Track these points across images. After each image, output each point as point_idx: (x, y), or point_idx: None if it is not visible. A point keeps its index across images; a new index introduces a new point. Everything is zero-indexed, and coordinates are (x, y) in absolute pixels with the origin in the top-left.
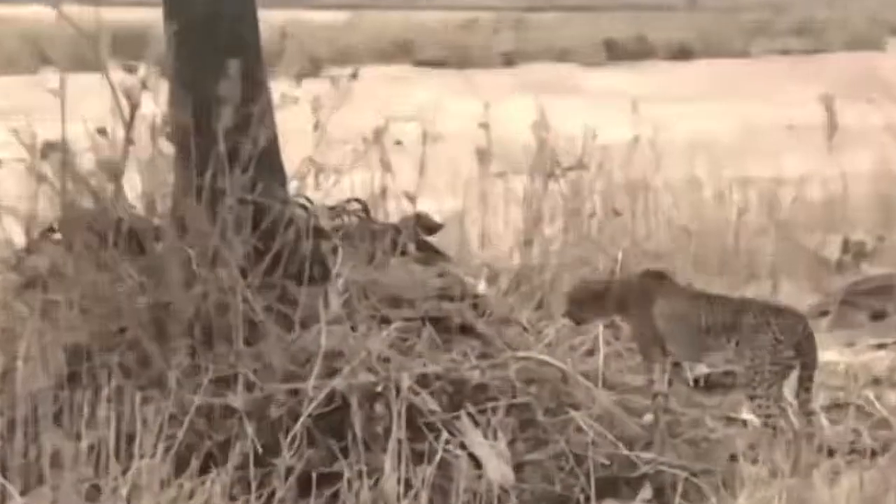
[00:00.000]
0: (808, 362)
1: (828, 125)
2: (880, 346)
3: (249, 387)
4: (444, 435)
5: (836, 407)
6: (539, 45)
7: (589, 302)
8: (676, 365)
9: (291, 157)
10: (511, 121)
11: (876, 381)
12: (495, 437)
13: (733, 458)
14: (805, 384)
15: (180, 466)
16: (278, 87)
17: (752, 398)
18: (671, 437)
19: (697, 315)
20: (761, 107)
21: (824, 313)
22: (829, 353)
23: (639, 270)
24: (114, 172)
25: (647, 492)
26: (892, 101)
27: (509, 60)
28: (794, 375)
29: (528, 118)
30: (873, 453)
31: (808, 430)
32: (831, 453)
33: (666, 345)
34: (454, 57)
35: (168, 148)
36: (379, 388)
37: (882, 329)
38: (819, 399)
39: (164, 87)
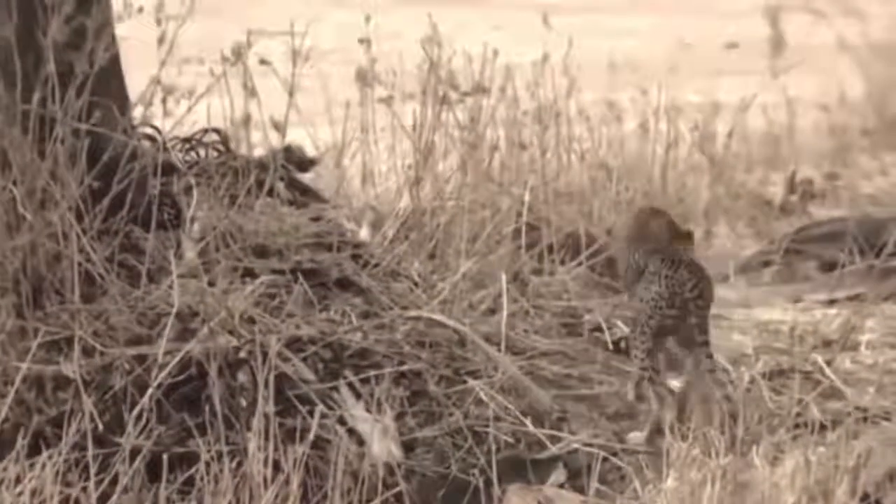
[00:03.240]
0: (696, 325)
1: (772, 43)
2: (831, 303)
3: (87, 352)
4: (320, 408)
5: (779, 374)
6: None
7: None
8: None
9: (135, 78)
10: (398, 36)
11: (826, 344)
12: (380, 411)
13: (659, 433)
14: (704, 351)
15: (4, 447)
16: None
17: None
18: (588, 411)
19: (627, 256)
20: (694, 20)
21: (767, 263)
22: (773, 311)
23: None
24: None
25: (559, 474)
26: (845, 14)
27: None
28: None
29: (418, 33)
30: (822, 427)
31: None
32: (773, 428)
33: None
34: None
35: None
36: (242, 354)
37: (833, 282)
38: (759, 365)
39: None
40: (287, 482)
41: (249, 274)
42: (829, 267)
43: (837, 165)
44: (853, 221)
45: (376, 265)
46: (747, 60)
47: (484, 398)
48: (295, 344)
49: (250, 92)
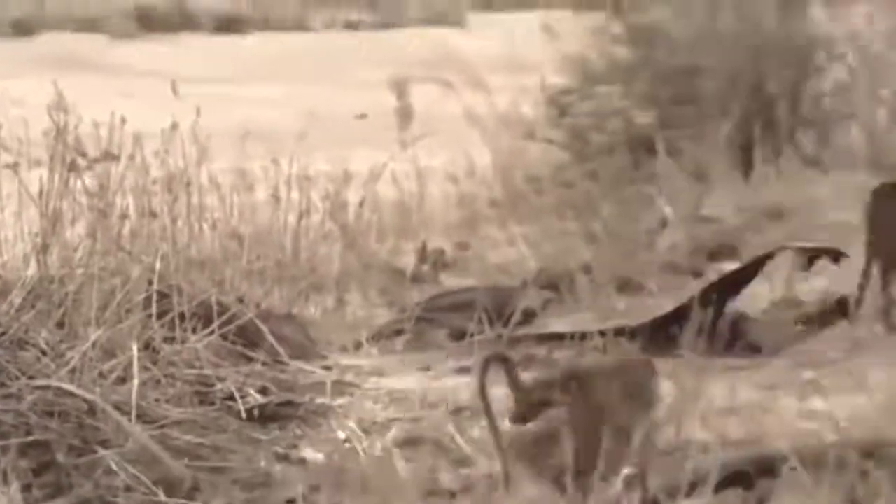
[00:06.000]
0: None
1: (400, 114)
2: (462, 370)
3: None
4: None
5: (411, 442)
6: (58, 12)
7: None
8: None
9: None
10: (25, 102)
11: (457, 411)
12: (6, 483)
13: (291, 502)
14: None
15: None
16: None
17: None
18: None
19: None
20: (325, 91)
21: (399, 332)
22: (405, 379)
23: None
24: None
25: None
26: (472, 86)
27: (24, 29)
28: None
29: (45, 99)
30: (453, 495)
31: None
32: (406, 496)
33: None
34: None
35: None
36: None
37: (464, 350)
38: (391, 434)
39: None
40: None
41: None
42: (459, 335)
43: (467, 235)
44: (482, 291)
45: (3, 334)
46: (377, 131)
47: (115, 468)
48: None
49: None
